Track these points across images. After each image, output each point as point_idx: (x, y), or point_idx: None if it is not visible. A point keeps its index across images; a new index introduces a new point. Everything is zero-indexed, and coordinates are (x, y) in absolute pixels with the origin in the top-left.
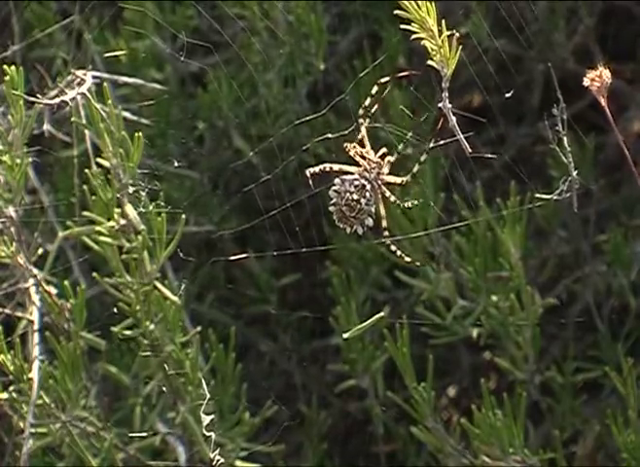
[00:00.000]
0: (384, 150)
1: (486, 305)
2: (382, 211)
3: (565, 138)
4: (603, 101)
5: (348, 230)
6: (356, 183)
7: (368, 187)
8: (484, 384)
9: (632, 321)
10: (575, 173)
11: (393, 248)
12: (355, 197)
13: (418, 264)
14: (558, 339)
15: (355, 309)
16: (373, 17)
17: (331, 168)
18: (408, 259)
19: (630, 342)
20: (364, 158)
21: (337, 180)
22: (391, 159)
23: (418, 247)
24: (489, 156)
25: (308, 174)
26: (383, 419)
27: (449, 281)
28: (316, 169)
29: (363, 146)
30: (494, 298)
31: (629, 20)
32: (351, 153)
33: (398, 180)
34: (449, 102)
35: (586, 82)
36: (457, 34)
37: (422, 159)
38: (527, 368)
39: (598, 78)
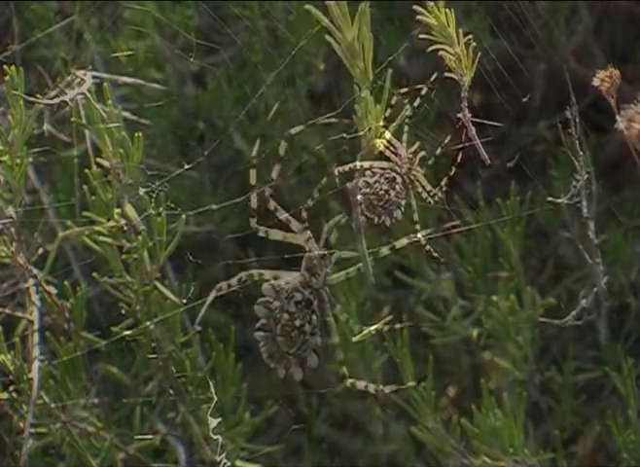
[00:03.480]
0: (416, 146)
1: (486, 305)
2: (414, 205)
3: (570, 140)
4: (613, 102)
5: (376, 220)
6: (387, 175)
7: (399, 180)
8: (484, 384)
9: (632, 321)
10: (585, 177)
11: (427, 248)
12: (385, 187)
13: (443, 260)
14: (558, 339)
15: (355, 309)
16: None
17: (361, 167)
18: (435, 254)
19: (630, 342)
20: (395, 154)
21: (368, 172)
22: (423, 154)
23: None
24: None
25: (337, 173)
26: (383, 419)
27: (449, 281)
28: (345, 168)
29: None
30: (494, 298)
31: (629, 20)
32: (381, 148)
33: (427, 187)
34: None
35: (595, 82)
36: (474, 43)
37: (451, 173)
38: (527, 368)
39: (608, 78)
